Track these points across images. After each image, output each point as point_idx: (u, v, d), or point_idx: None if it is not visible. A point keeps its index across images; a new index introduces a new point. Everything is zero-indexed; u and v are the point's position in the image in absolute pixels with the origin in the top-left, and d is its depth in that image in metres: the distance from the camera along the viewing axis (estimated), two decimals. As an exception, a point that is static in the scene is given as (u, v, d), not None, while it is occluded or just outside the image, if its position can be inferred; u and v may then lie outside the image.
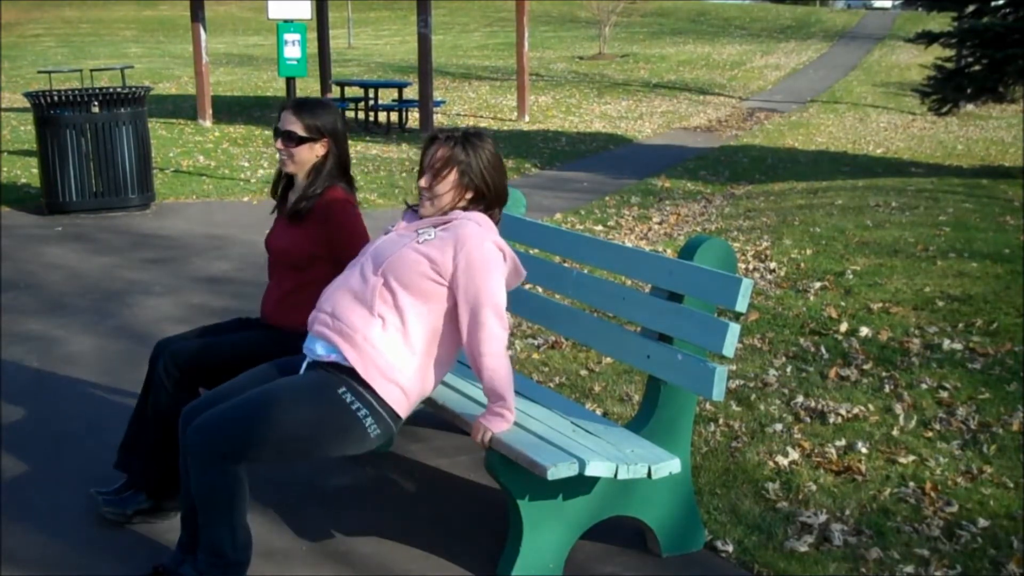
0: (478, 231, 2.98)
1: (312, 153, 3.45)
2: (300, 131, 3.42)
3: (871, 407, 4.49)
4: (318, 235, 3.42)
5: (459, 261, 2.94)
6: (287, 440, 2.85)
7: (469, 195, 3.09)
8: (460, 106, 20.14)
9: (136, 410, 3.44)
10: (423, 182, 3.07)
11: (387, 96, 19.01)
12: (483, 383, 2.98)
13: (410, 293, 2.96)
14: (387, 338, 2.95)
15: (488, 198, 3.11)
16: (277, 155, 3.49)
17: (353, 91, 17.47)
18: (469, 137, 3.09)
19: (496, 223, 3.13)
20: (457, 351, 3.12)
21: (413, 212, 3.22)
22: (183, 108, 18.29)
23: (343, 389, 2.92)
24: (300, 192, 3.48)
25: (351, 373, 2.94)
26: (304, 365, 3.05)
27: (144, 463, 3.40)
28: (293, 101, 3.50)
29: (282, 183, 3.59)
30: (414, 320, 2.97)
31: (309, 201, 3.43)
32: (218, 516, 2.84)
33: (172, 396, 3.33)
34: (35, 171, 10.29)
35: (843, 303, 6.01)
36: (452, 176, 3.05)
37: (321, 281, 3.39)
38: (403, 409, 3.01)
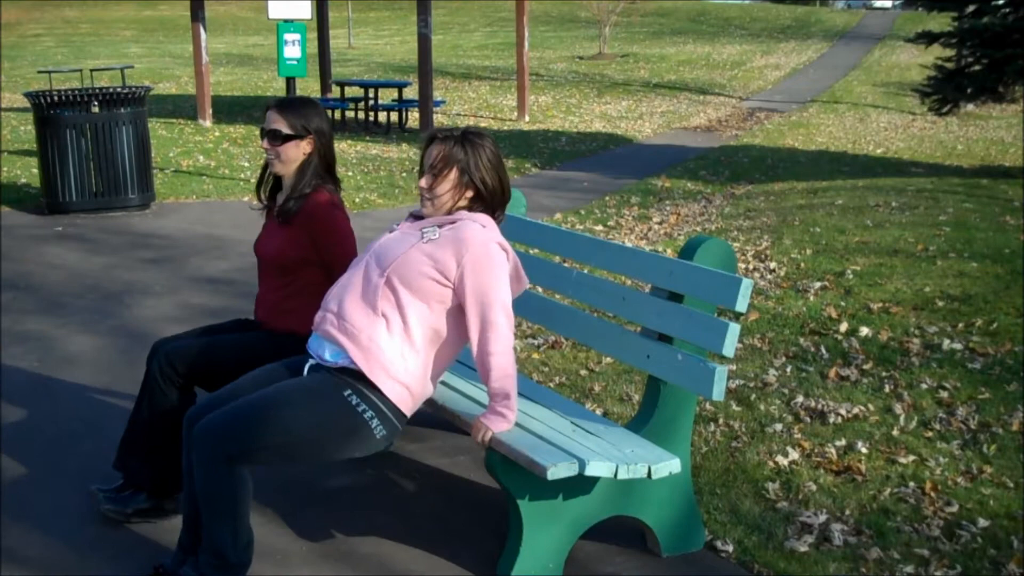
0: (482, 232, 2.97)
1: (299, 151, 3.45)
2: (285, 129, 3.42)
3: (871, 407, 4.49)
4: (304, 238, 3.42)
5: (464, 263, 2.93)
6: (293, 442, 2.86)
7: (470, 194, 3.07)
8: (460, 106, 20.13)
9: (134, 410, 3.44)
10: (423, 183, 3.06)
11: (387, 96, 19.01)
12: (490, 382, 2.98)
13: (413, 293, 2.96)
14: (391, 337, 2.96)
15: (489, 197, 3.09)
16: (265, 155, 3.49)
17: (353, 91, 17.47)
18: (468, 136, 3.07)
19: (499, 223, 3.13)
20: (457, 352, 3.12)
21: (415, 217, 3.20)
22: (183, 108, 18.29)
23: (349, 391, 2.93)
24: (288, 192, 3.48)
25: (357, 375, 2.94)
26: (308, 366, 3.05)
27: (142, 463, 3.40)
28: (277, 100, 3.51)
29: (269, 184, 3.59)
30: (416, 320, 2.97)
31: (297, 202, 3.43)
32: (221, 517, 2.84)
33: (168, 396, 3.34)
34: (35, 171, 10.29)
35: (843, 303, 6.01)
36: (452, 175, 3.04)
37: (311, 285, 3.39)
38: (408, 407, 3.02)
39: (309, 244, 3.42)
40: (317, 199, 3.43)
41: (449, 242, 2.97)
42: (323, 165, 3.49)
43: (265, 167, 3.57)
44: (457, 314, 3.01)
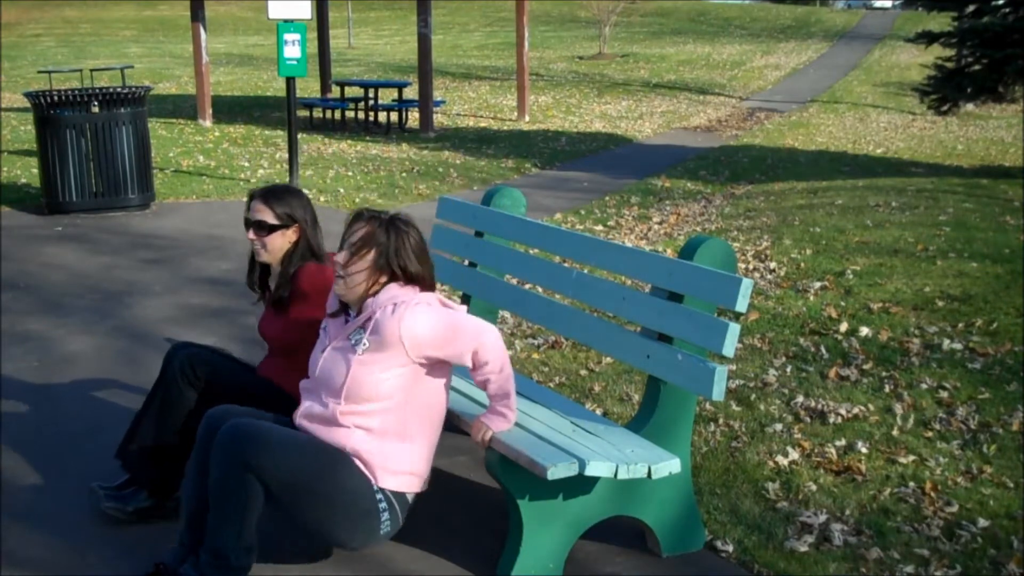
0: (398, 315, 2.91)
1: (285, 240, 3.44)
2: (271, 219, 3.42)
3: (871, 407, 4.49)
4: (304, 317, 3.41)
5: (409, 347, 2.90)
6: (307, 491, 2.86)
7: (383, 279, 3.00)
8: (460, 106, 20.14)
9: (145, 404, 3.44)
10: (340, 258, 3.01)
11: (387, 96, 19.01)
12: (489, 389, 2.99)
13: (381, 399, 2.95)
14: (375, 441, 2.96)
15: (407, 282, 3.02)
16: (251, 246, 3.48)
17: (353, 91, 17.47)
18: (395, 220, 3.02)
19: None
20: (444, 396, 3.11)
21: (332, 315, 3.15)
22: (183, 108, 18.29)
23: (372, 478, 2.96)
24: (277, 280, 3.49)
25: None
26: None
27: (145, 458, 3.40)
28: (261, 190, 3.49)
29: (258, 271, 3.60)
30: (391, 415, 2.97)
31: (286, 287, 3.43)
32: (229, 518, 2.84)
33: (184, 396, 3.36)
34: (35, 171, 10.29)
35: (843, 303, 6.01)
36: (369, 257, 2.98)
37: None
38: (420, 486, 3.07)
39: (309, 320, 3.41)
40: (305, 274, 3.42)
41: (382, 344, 2.92)
42: (310, 251, 3.48)
43: (253, 256, 3.56)
44: (432, 367, 3.00)
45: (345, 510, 2.91)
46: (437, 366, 3.01)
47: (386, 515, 2.97)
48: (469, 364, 2.96)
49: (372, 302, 2.98)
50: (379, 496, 2.95)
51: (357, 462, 2.96)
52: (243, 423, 2.87)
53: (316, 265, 3.45)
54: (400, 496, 3.02)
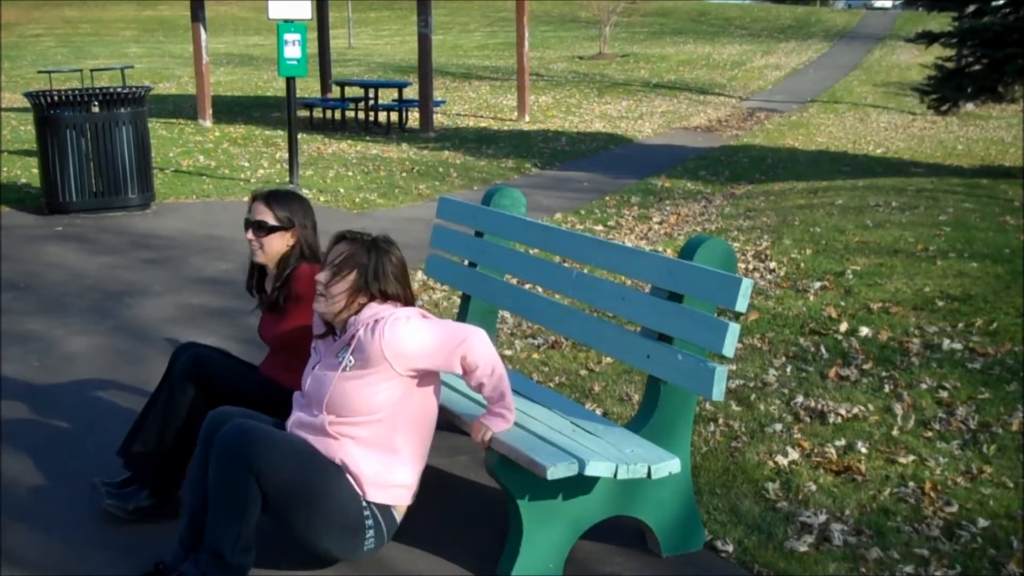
0: (382, 329, 2.94)
1: (283, 242, 3.47)
2: (271, 220, 3.44)
3: (871, 407, 4.49)
4: (301, 316, 3.43)
5: (393, 359, 2.93)
6: (303, 502, 2.88)
7: (363, 300, 3.02)
8: (460, 106, 20.13)
9: (149, 402, 3.45)
10: (322, 277, 3.03)
11: (387, 96, 19.01)
12: (484, 392, 3.01)
13: (369, 413, 2.97)
14: (364, 453, 2.98)
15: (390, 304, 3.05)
16: (249, 246, 3.50)
17: (353, 91, 17.47)
18: (377, 242, 3.05)
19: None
20: (436, 402, 3.15)
21: (319, 336, 3.18)
22: (183, 108, 18.28)
23: (366, 501, 2.98)
24: (273, 283, 3.51)
25: None
26: None
27: (148, 457, 3.41)
28: (264, 192, 3.52)
29: (256, 276, 3.61)
30: (379, 428, 2.99)
31: (282, 290, 3.45)
32: (228, 518, 2.85)
33: (187, 395, 3.37)
34: (35, 171, 10.28)
35: (843, 303, 6.01)
36: (351, 277, 3.01)
37: None
38: (409, 499, 3.09)
39: (307, 320, 3.42)
40: (300, 275, 3.44)
41: (367, 361, 2.95)
42: (306, 255, 3.50)
43: (253, 264, 3.57)
44: (420, 378, 3.02)
45: (333, 522, 2.93)
46: (425, 377, 3.04)
47: (371, 532, 2.99)
48: (459, 371, 2.98)
49: (355, 320, 3.01)
50: (367, 512, 2.97)
51: (348, 476, 2.97)
52: (246, 424, 2.89)
53: (310, 267, 3.46)
54: (387, 512, 3.03)
